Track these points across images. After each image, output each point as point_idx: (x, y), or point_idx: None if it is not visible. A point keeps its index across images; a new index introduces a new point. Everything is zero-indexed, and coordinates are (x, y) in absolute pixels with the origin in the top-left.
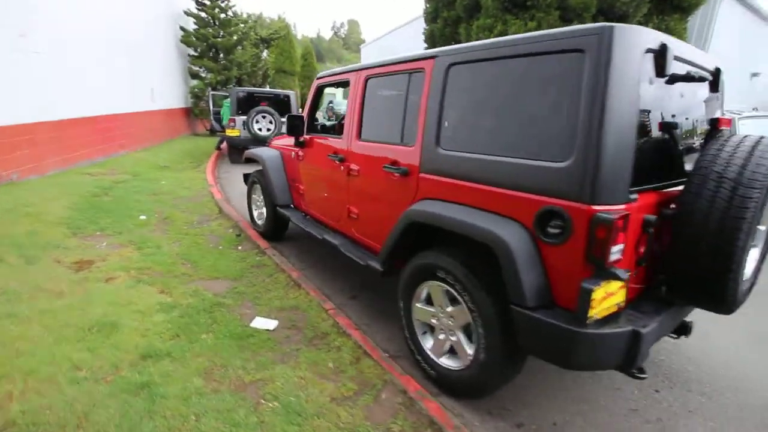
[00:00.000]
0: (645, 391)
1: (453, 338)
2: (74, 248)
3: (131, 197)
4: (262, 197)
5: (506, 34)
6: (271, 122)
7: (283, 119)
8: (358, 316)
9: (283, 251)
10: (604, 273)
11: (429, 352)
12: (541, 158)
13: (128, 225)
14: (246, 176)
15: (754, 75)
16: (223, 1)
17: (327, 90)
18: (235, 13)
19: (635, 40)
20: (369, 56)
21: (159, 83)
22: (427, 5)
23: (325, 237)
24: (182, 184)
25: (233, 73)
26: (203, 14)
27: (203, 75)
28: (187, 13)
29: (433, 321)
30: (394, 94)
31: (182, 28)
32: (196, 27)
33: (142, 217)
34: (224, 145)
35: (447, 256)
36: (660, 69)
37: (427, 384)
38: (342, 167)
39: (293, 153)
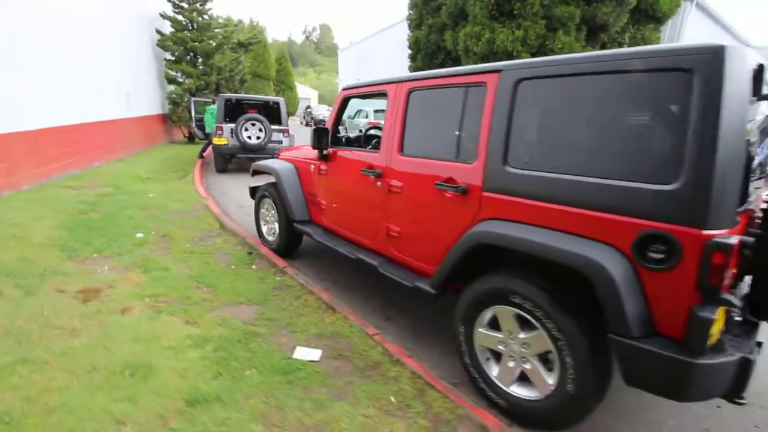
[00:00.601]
0: (709, 409)
1: (527, 366)
2: (74, 274)
3: (121, 213)
4: (272, 212)
5: (494, 42)
6: (261, 130)
7: (274, 127)
8: (398, 340)
9: (301, 269)
10: (717, 299)
11: (496, 380)
12: (639, 180)
13: (126, 245)
14: (253, 190)
15: None
16: (201, 4)
17: (352, 101)
18: (210, 17)
19: (744, 60)
20: (347, 61)
21: (134, 89)
22: (411, 12)
23: (360, 256)
24: (172, 197)
25: (213, 78)
26: (180, 17)
27: (181, 80)
28: (164, 16)
29: (500, 347)
30: (446, 108)
31: (158, 32)
32: (173, 30)
33: (139, 235)
34: (207, 153)
35: (522, 281)
36: (757, 88)
37: (495, 414)
38: (379, 183)
39: (312, 166)
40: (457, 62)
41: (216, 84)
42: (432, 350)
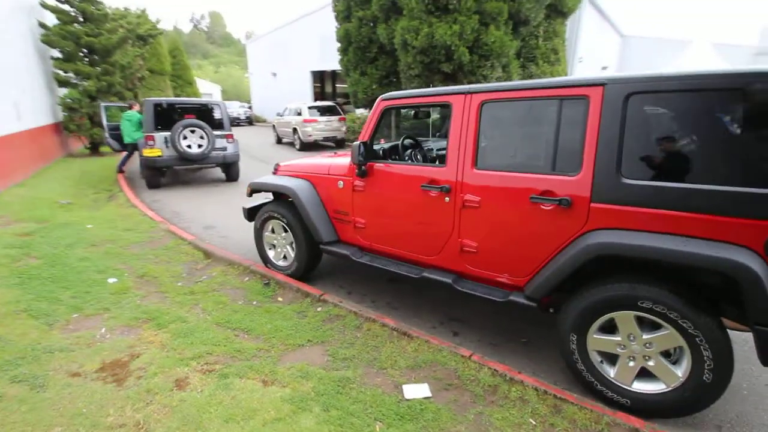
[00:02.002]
0: None
1: (650, 363)
2: (74, 348)
3: (69, 255)
4: (283, 234)
5: (433, 37)
6: (202, 137)
7: (217, 132)
8: (486, 357)
9: (334, 292)
10: None
11: (615, 381)
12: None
13: (103, 295)
14: (251, 211)
15: (604, 68)
16: None
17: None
18: (104, 7)
19: None
20: (258, 53)
21: (20, 95)
22: (337, 3)
23: (427, 275)
24: (118, 226)
25: (116, 78)
26: (68, 7)
27: (76, 82)
28: (44, 6)
29: (618, 349)
30: (535, 121)
31: (42, 25)
32: (59, 23)
33: (112, 281)
34: (126, 167)
35: (651, 287)
36: None
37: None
38: (447, 198)
39: (340, 182)
40: (391, 56)
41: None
42: (519, 360)
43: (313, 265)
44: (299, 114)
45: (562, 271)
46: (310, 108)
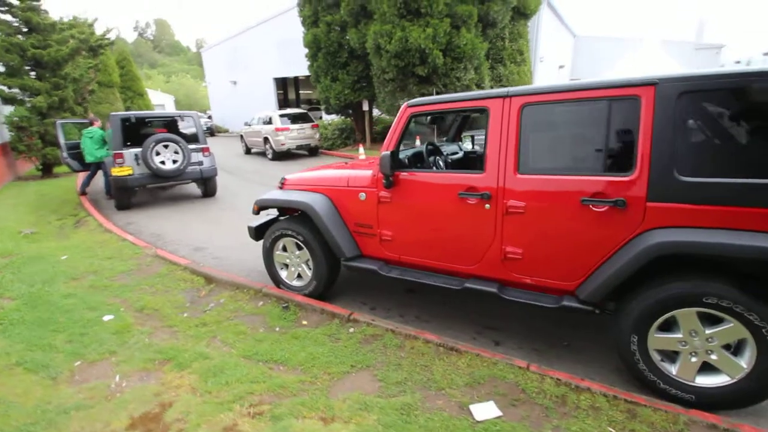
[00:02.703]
0: None
1: (713, 357)
2: (90, 404)
3: (50, 293)
4: (297, 252)
5: (407, 40)
6: (177, 152)
7: (192, 146)
8: (540, 364)
9: (357, 309)
10: None
11: (677, 378)
12: None
13: (104, 336)
14: (259, 230)
15: (561, 67)
16: (36, 0)
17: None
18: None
19: None
20: (215, 60)
21: None
22: (303, 8)
23: (470, 286)
24: (96, 254)
25: (68, 92)
26: (10, 17)
27: (23, 98)
28: None
29: (679, 346)
30: (582, 122)
31: None
32: (0, 34)
33: (108, 318)
34: (89, 188)
35: (718, 283)
36: None
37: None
38: (488, 205)
39: (362, 194)
40: (362, 60)
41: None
42: (568, 365)
43: (332, 282)
44: (270, 122)
45: (623, 272)
46: (281, 116)
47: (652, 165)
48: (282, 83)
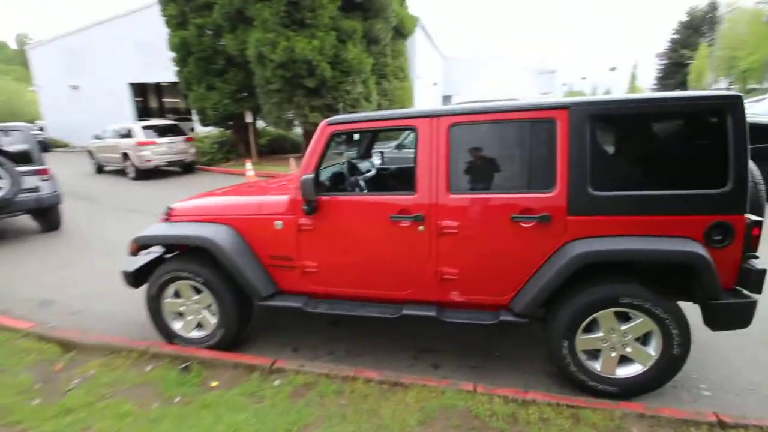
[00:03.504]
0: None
1: (628, 350)
2: None
3: None
4: (194, 298)
5: (293, 51)
6: (0, 177)
7: (23, 168)
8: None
9: (277, 353)
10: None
11: (602, 374)
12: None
13: None
14: (137, 274)
15: (435, 84)
16: None
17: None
18: None
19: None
20: (47, 60)
21: None
22: (167, 7)
23: (408, 312)
24: None
25: None
26: None
27: None
28: None
29: (600, 344)
30: (506, 141)
31: None
32: None
33: None
34: None
35: (628, 285)
36: None
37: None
38: (422, 227)
39: (278, 222)
40: (243, 68)
41: None
42: (506, 376)
43: (245, 327)
44: (129, 135)
45: (551, 283)
46: (145, 128)
47: (570, 181)
48: (141, 90)
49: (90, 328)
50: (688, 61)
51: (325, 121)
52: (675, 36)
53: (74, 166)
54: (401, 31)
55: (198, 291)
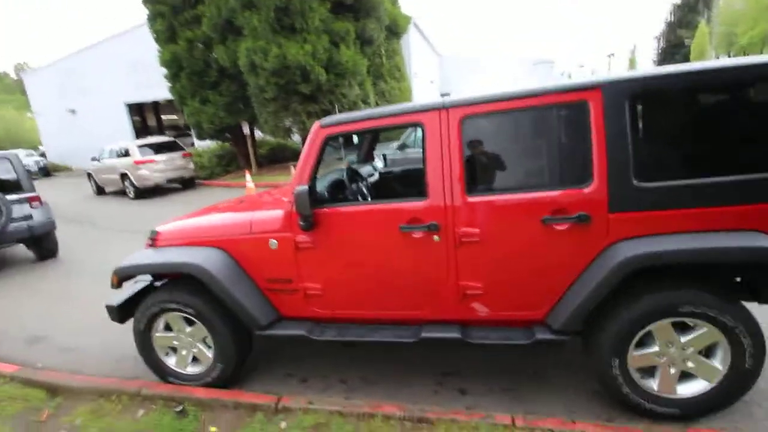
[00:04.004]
0: None
1: (690, 365)
2: None
3: None
4: (187, 331)
5: (285, 57)
6: None
7: (13, 197)
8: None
9: (283, 386)
10: None
11: (660, 394)
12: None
13: None
14: (123, 308)
15: (431, 82)
16: None
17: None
18: None
19: None
20: (44, 86)
21: None
22: (154, 22)
23: (426, 335)
24: None
25: None
26: None
27: None
28: None
29: (657, 360)
30: (529, 132)
31: None
32: None
33: None
34: None
35: (690, 291)
36: None
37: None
38: (437, 237)
39: (273, 242)
40: (236, 79)
41: None
42: (544, 400)
43: (245, 359)
44: (126, 155)
45: (597, 293)
46: (141, 146)
47: (609, 172)
48: (138, 109)
49: (80, 367)
50: (687, 40)
51: (317, 124)
52: (671, 17)
53: (75, 189)
54: (395, 31)
55: (191, 322)
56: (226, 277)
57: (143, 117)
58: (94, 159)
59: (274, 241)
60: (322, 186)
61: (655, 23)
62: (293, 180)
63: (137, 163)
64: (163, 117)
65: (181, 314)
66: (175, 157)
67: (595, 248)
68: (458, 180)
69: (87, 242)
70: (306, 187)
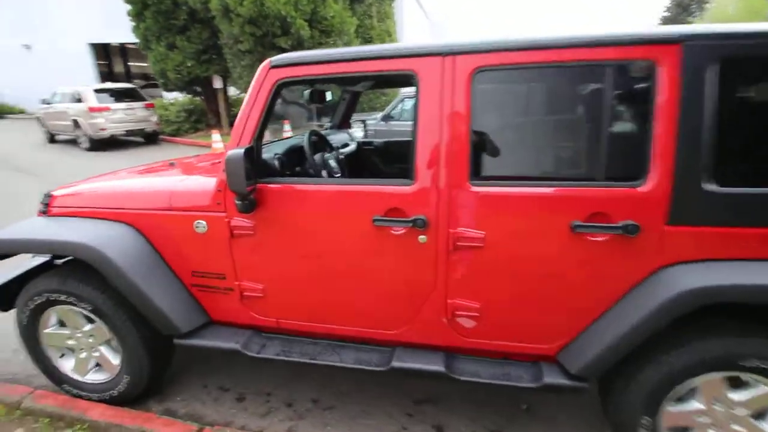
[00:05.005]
0: None
1: (737, 428)
2: None
3: None
4: (85, 329)
5: (263, 4)
6: None
7: None
8: None
9: (222, 404)
10: None
11: None
12: None
13: None
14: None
15: None
16: None
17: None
18: None
19: None
20: None
21: None
22: None
23: (398, 365)
24: None
25: None
26: None
27: None
28: None
29: (701, 419)
30: (569, 100)
31: None
32: None
33: None
34: None
35: (755, 338)
36: None
37: None
38: (424, 237)
39: (202, 223)
40: (208, 25)
41: None
42: None
43: (161, 372)
44: (79, 100)
45: (641, 330)
46: (97, 91)
47: (676, 168)
48: (104, 52)
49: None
50: None
51: (267, 62)
52: (666, 14)
53: (25, 134)
54: None
55: (91, 320)
56: (131, 263)
57: (110, 61)
58: (44, 102)
59: (202, 222)
60: (272, 153)
61: (654, 22)
62: (231, 140)
63: (92, 110)
64: (132, 64)
65: (76, 309)
66: (136, 107)
67: (641, 271)
68: (461, 159)
69: (26, 197)
70: (241, 150)
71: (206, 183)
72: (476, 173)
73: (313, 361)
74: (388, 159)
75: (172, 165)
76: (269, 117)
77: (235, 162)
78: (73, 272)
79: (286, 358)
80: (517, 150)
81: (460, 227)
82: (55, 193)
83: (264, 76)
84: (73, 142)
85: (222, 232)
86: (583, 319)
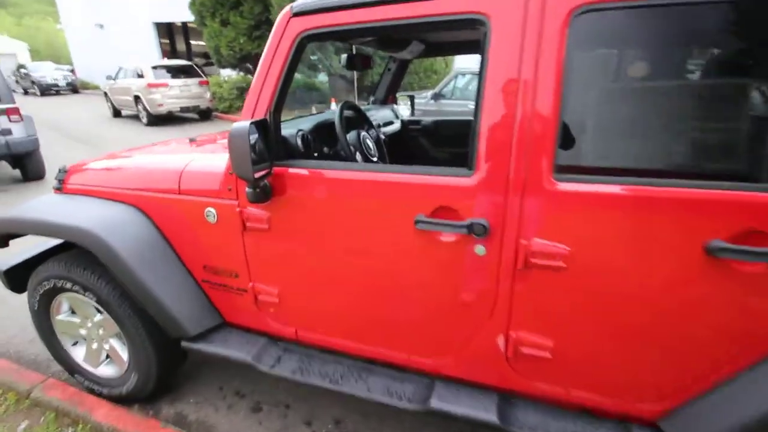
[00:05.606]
0: None
1: None
2: None
3: None
4: (94, 319)
5: None
6: None
7: None
8: None
9: (236, 412)
10: None
11: None
12: None
13: None
14: (9, 276)
15: None
16: None
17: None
18: None
19: None
20: None
21: None
22: None
23: (437, 405)
24: None
25: None
26: None
27: None
28: None
29: None
30: (711, 60)
31: None
32: None
33: None
34: None
35: None
36: None
37: None
38: (482, 247)
39: (211, 210)
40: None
41: None
42: None
43: (173, 369)
44: (140, 76)
45: None
46: (155, 68)
47: None
48: (168, 30)
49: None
50: None
51: (288, 9)
52: None
53: (95, 108)
54: None
55: (99, 310)
56: (136, 254)
57: (172, 40)
58: (109, 77)
59: (212, 210)
60: (297, 129)
61: None
62: (244, 109)
63: (150, 86)
64: (193, 42)
65: (83, 297)
66: (191, 83)
67: None
68: (543, 143)
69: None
70: (247, 123)
71: (218, 164)
72: (565, 163)
73: (336, 388)
74: (440, 142)
75: (192, 141)
76: (290, 81)
77: (239, 138)
78: (77, 258)
79: (302, 380)
80: (631, 131)
81: (535, 238)
82: (71, 168)
83: (284, 27)
84: (136, 117)
85: (233, 223)
86: (708, 376)
